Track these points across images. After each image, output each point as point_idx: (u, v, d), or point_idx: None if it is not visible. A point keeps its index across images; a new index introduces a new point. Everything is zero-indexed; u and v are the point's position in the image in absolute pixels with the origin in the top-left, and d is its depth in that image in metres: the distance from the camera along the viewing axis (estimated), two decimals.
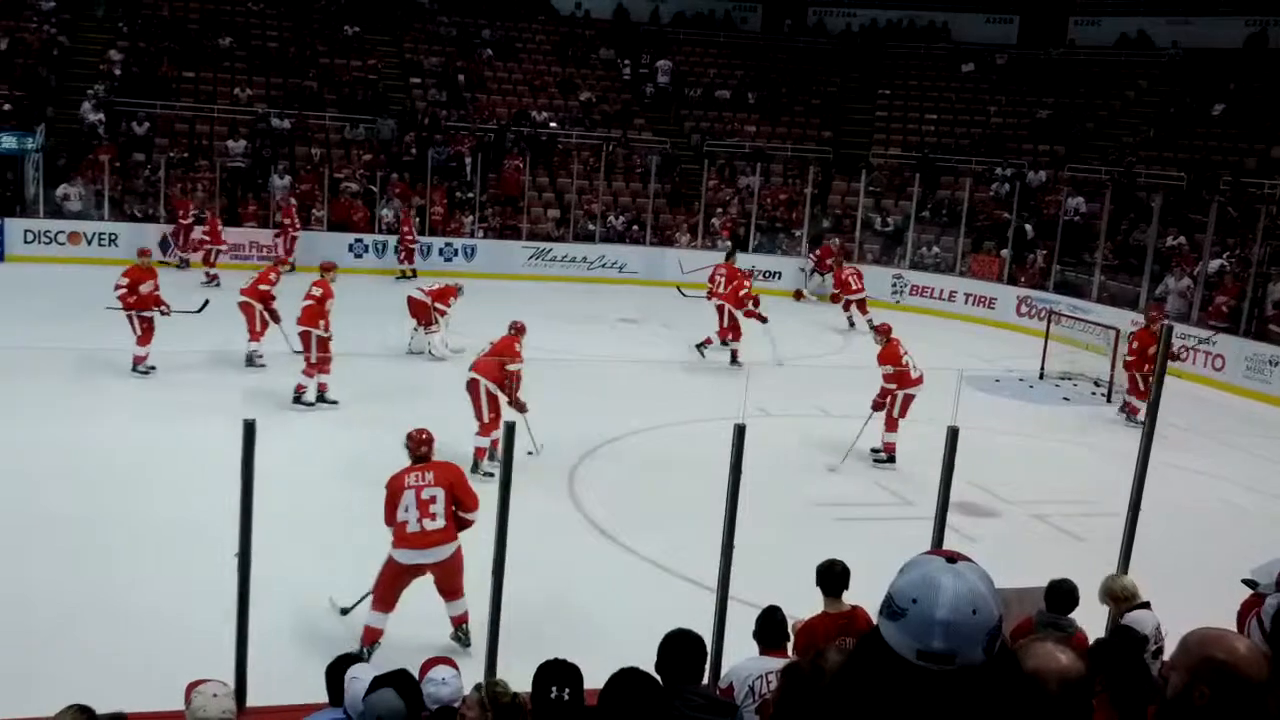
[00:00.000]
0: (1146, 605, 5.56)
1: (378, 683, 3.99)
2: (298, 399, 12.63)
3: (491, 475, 9.18)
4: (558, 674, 3.61)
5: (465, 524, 6.97)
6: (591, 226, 24.82)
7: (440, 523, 6.83)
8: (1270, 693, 1.90)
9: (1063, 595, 5.42)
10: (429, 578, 6.93)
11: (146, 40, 26.46)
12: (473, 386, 10.48)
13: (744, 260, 22.12)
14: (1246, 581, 5.01)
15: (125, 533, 8.50)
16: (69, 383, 12.55)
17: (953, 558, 1.78)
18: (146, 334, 13.44)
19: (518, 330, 11.20)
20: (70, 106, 24.36)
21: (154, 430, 11.12)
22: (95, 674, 5.80)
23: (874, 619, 1.81)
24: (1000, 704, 1.74)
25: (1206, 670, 2.24)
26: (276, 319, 13.91)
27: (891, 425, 11.67)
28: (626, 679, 3.56)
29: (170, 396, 12.50)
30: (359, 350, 13.87)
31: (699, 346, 16.38)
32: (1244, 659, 2.22)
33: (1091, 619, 5.62)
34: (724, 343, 16.27)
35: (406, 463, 7.06)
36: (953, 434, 5.74)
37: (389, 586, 6.88)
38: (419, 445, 7.17)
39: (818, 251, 23.55)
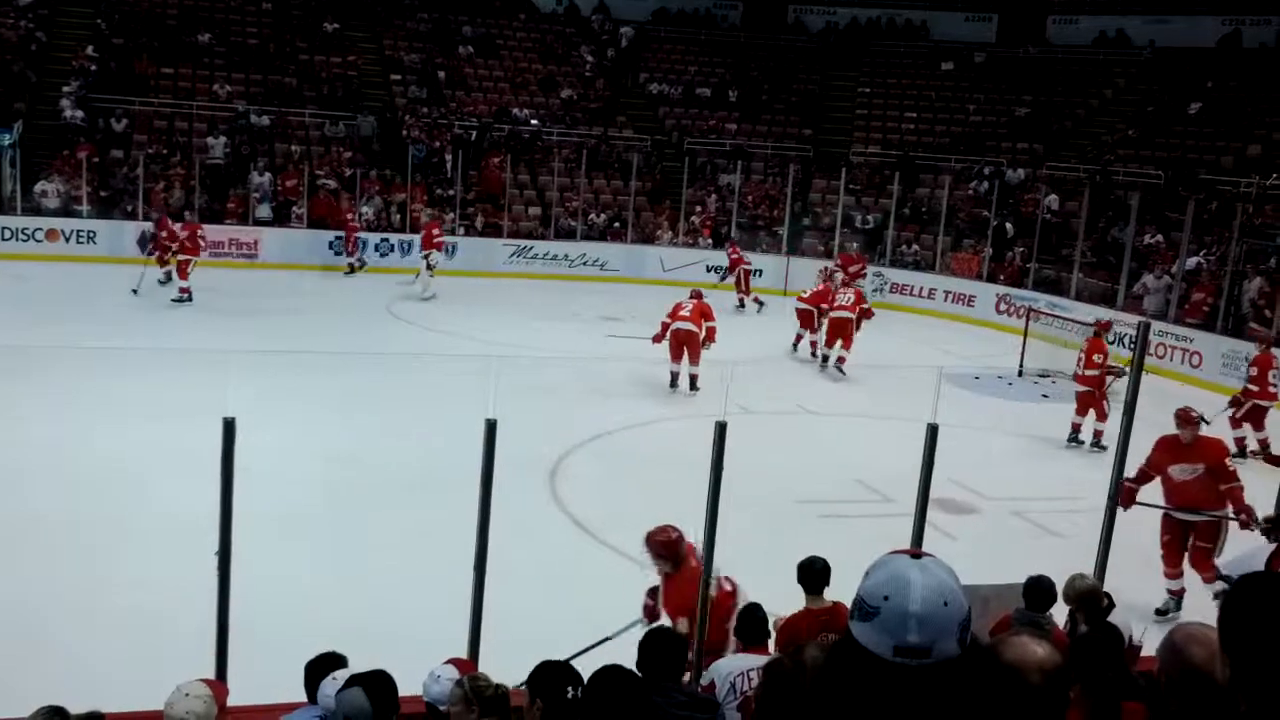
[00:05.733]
0: (1111, 608, 5.58)
1: (351, 681, 3.97)
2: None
3: None
4: (567, 675, 3.66)
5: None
6: (573, 224, 24.81)
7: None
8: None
9: (1041, 593, 5.45)
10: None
11: (124, 36, 26.27)
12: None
13: (720, 257, 22.26)
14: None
15: (109, 533, 8.43)
16: (58, 381, 12.43)
17: (917, 554, 1.80)
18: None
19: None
20: (48, 103, 24.16)
21: (142, 430, 11.00)
22: (75, 674, 5.77)
23: None
24: (980, 697, 1.75)
25: (1170, 663, 2.29)
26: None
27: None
28: (609, 676, 3.57)
29: (157, 396, 12.36)
30: (352, 350, 13.89)
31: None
32: (1209, 657, 2.23)
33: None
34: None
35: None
36: (932, 431, 5.75)
37: None
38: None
39: (838, 261, 21.93)
